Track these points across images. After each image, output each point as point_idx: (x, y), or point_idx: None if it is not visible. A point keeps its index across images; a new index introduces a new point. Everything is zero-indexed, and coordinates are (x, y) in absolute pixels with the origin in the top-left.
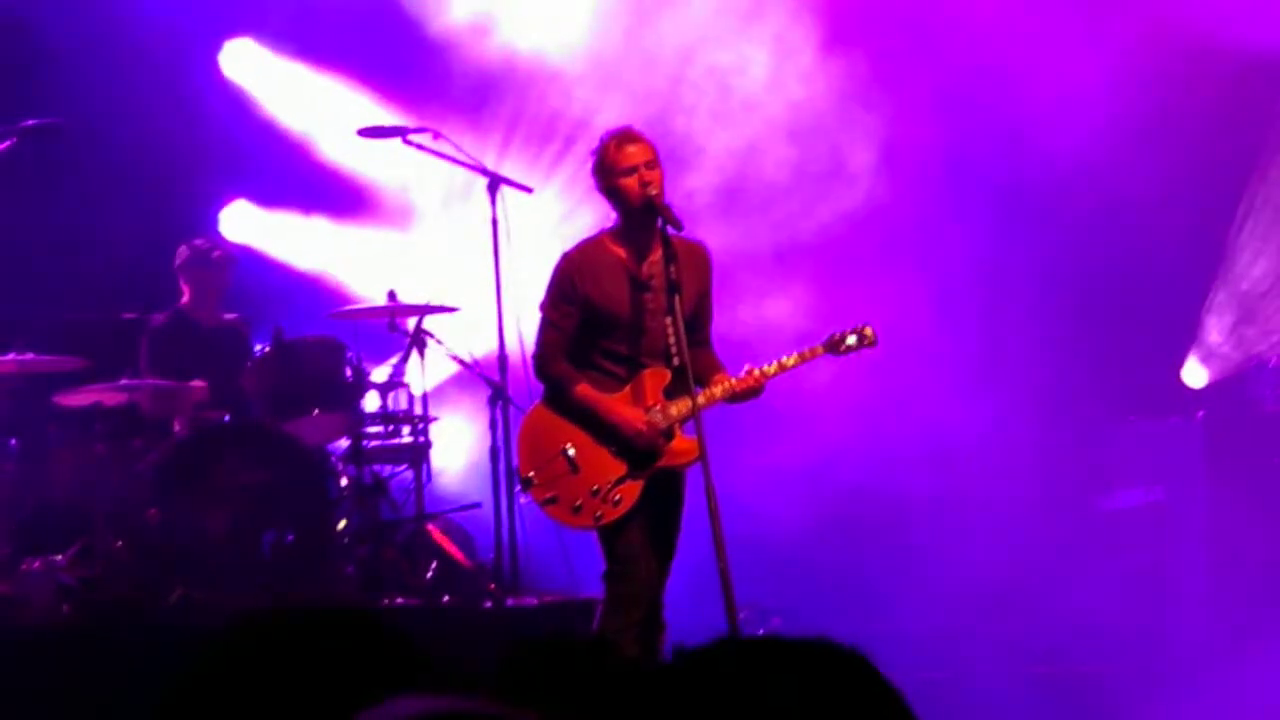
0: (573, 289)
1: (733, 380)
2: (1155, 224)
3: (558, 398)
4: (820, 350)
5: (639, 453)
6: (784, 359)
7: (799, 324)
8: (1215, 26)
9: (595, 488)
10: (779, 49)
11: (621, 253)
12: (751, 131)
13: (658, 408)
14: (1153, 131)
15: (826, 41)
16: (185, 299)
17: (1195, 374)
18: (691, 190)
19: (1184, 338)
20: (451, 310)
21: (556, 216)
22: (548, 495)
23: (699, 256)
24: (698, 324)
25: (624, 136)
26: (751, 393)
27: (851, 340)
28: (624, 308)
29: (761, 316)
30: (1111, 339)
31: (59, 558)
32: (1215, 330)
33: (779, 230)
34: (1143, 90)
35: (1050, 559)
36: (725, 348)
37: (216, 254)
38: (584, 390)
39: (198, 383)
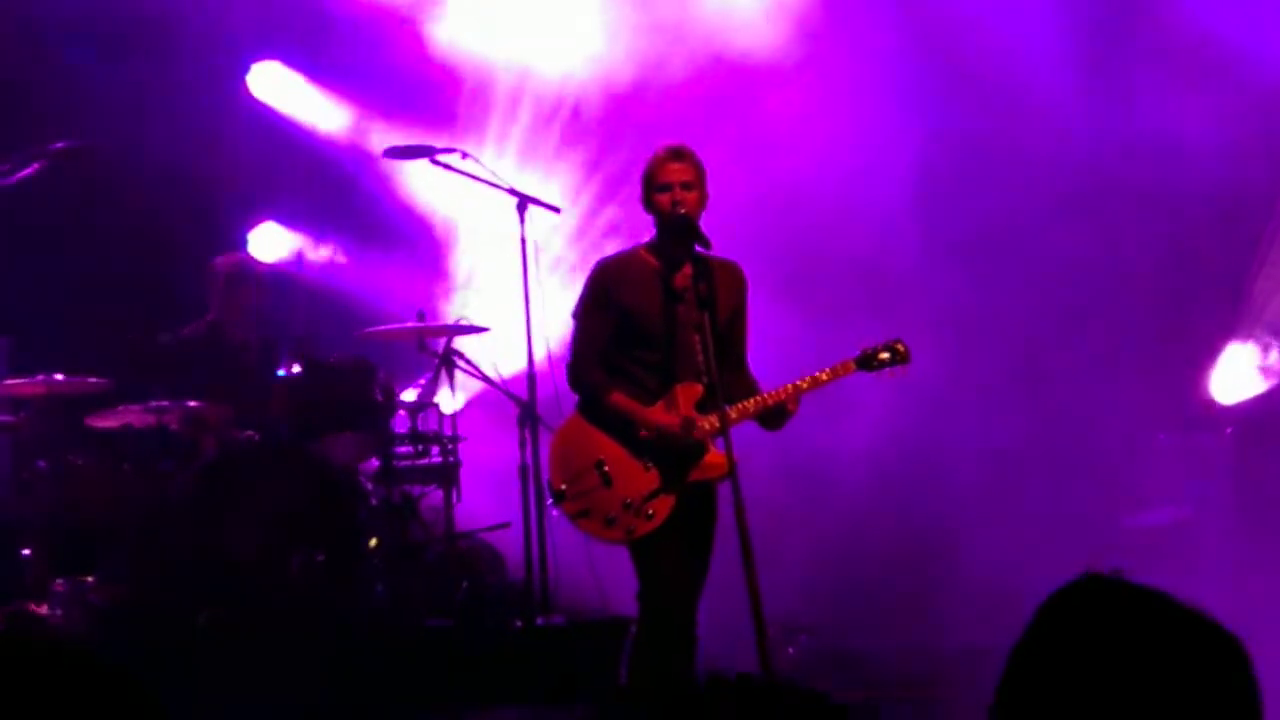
0: (606, 297)
1: (764, 396)
2: (1187, 240)
3: (591, 407)
4: (853, 366)
5: (672, 466)
6: (817, 374)
7: (829, 338)
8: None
9: (628, 501)
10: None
11: (656, 264)
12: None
13: (691, 419)
14: (1185, 143)
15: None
16: (213, 313)
17: (1225, 390)
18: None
19: (1214, 353)
20: (481, 330)
21: (585, 237)
22: (580, 508)
23: (734, 275)
24: (730, 343)
25: (671, 153)
26: (783, 409)
27: (885, 355)
28: (657, 318)
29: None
30: (1142, 354)
31: (88, 579)
32: (1245, 345)
33: (804, 239)
34: (1176, 99)
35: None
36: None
37: (256, 270)
38: (618, 399)
39: (224, 405)
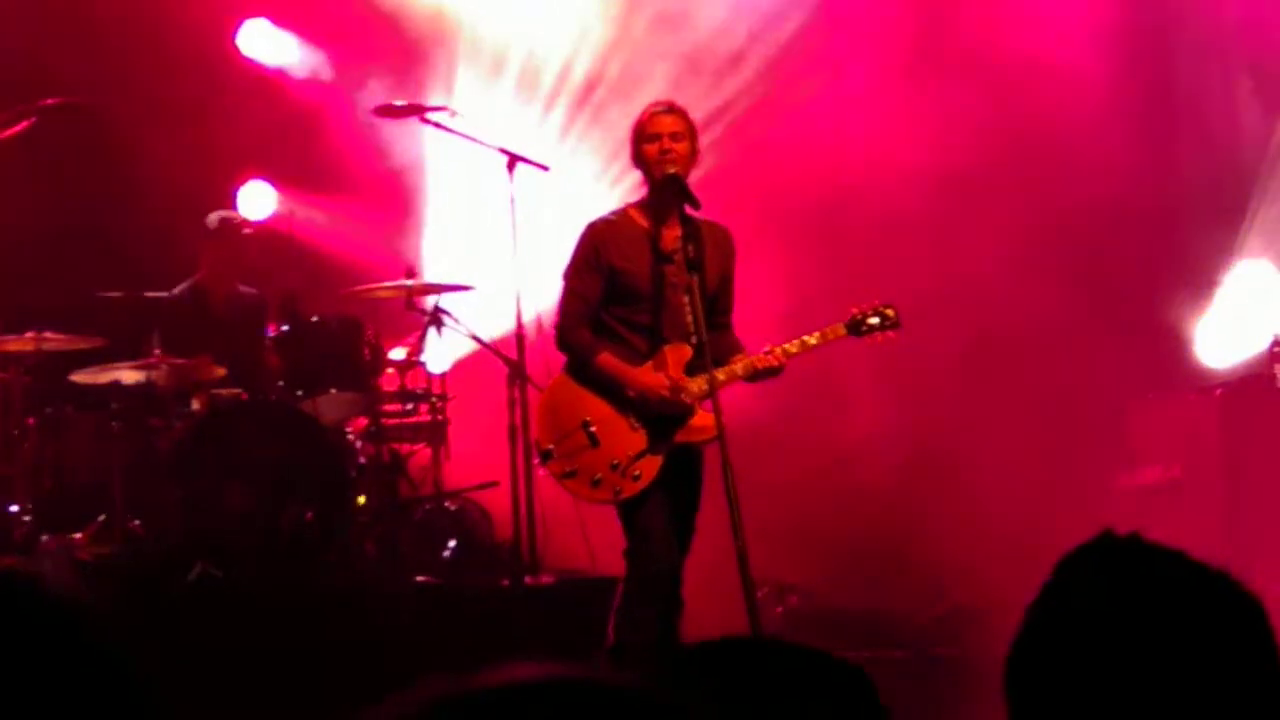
0: (596, 257)
1: (753, 358)
2: (1176, 202)
3: (579, 367)
4: (842, 330)
5: (659, 427)
6: (805, 338)
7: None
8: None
9: (615, 462)
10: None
11: (645, 224)
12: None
13: (679, 381)
14: (1173, 108)
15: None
16: (202, 271)
17: (1214, 351)
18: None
19: (1202, 316)
20: (468, 289)
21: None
22: (567, 469)
23: (722, 238)
24: (718, 306)
25: (662, 106)
26: (772, 371)
27: (874, 320)
28: (645, 279)
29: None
30: (1131, 316)
31: (77, 535)
32: (1233, 308)
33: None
34: (1164, 64)
35: (1067, 535)
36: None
37: (247, 228)
38: (606, 359)
39: (213, 363)
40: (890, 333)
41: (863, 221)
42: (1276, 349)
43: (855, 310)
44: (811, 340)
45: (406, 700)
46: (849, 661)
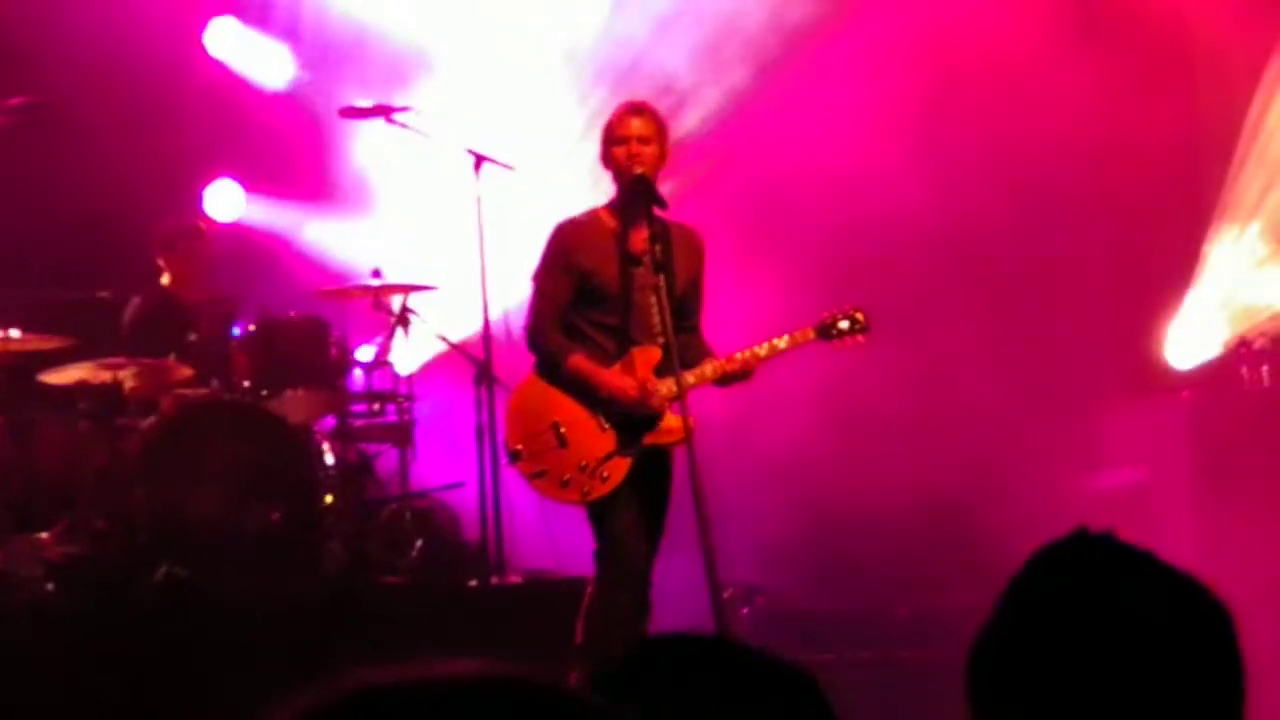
0: (565, 259)
1: (722, 361)
2: (1142, 203)
3: (550, 369)
4: (811, 334)
5: (628, 429)
6: (774, 341)
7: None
8: None
9: (583, 463)
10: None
11: (614, 225)
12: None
13: (648, 384)
14: (1137, 109)
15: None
16: (167, 279)
17: (1180, 354)
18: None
19: (1169, 318)
20: (433, 289)
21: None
22: (536, 469)
23: (692, 241)
24: (687, 309)
25: (631, 108)
26: (741, 375)
27: (844, 325)
28: (614, 281)
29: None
30: (1096, 319)
31: (44, 535)
32: (1199, 311)
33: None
34: (1124, 68)
35: (1034, 538)
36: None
37: (206, 233)
38: (578, 361)
39: (181, 364)
40: (860, 337)
41: (829, 223)
42: (1243, 350)
43: (825, 314)
44: (781, 344)
45: (328, 690)
46: (799, 665)
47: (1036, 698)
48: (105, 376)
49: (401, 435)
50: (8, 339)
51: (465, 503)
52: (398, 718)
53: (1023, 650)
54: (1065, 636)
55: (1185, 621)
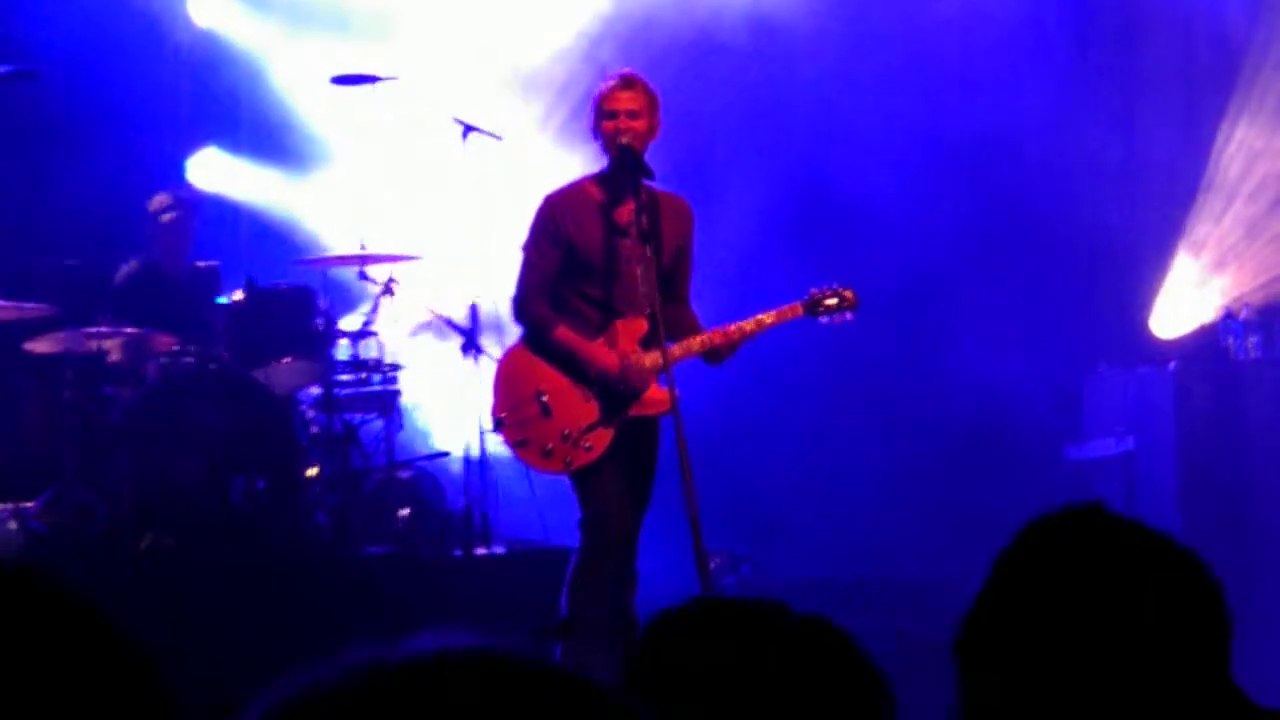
0: (555, 229)
1: (709, 334)
2: (1127, 173)
3: (536, 339)
4: (800, 310)
5: (612, 400)
6: (761, 316)
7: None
8: None
9: (566, 432)
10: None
11: (601, 196)
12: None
13: (633, 357)
14: (1122, 81)
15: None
16: (153, 249)
17: (1166, 324)
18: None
19: (1155, 288)
20: (418, 259)
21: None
22: (519, 438)
23: (681, 210)
24: (675, 279)
25: (622, 81)
26: (728, 349)
27: (831, 301)
28: (600, 251)
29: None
30: (1083, 289)
31: (29, 504)
32: (1185, 280)
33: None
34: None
35: (1021, 508)
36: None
37: (191, 204)
38: (563, 333)
39: (165, 333)
40: (847, 314)
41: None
42: (1228, 320)
43: (814, 290)
44: (768, 319)
45: (326, 669)
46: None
47: (1026, 667)
48: (89, 346)
49: (386, 404)
50: None
51: (450, 473)
52: (402, 696)
53: (1012, 621)
54: (1054, 606)
55: (1175, 590)
